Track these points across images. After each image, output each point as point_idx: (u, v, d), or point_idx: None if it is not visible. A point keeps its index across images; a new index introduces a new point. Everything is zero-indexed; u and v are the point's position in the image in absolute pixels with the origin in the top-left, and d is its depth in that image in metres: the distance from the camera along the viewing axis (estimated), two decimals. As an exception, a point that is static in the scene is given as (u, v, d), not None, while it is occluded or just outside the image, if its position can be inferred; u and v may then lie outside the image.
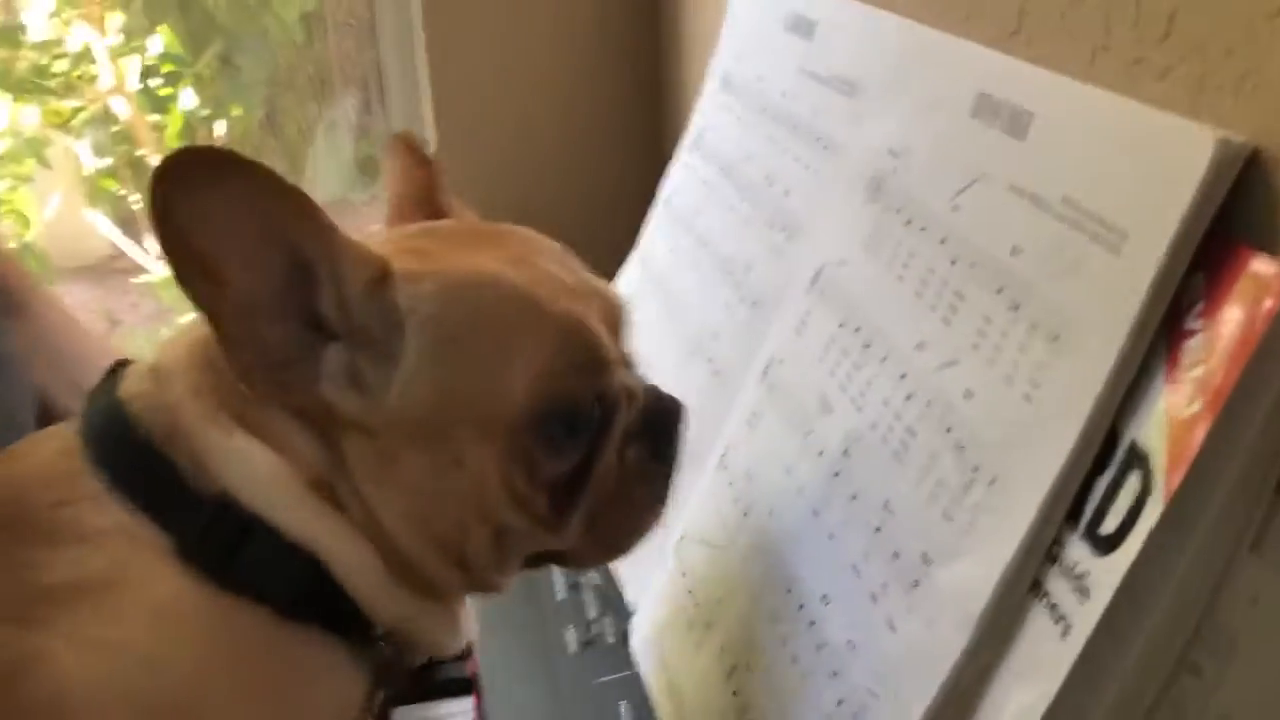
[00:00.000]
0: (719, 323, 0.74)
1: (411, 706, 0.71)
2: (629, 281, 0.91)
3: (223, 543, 0.48)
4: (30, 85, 1.98)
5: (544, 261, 0.54)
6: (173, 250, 0.44)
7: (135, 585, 0.48)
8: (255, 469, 0.49)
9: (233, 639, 0.49)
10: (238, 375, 0.47)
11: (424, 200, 0.63)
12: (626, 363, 0.56)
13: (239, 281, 0.45)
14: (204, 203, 0.44)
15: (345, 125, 2.16)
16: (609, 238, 0.87)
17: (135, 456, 0.49)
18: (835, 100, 0.67)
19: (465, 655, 0.67)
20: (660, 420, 0.56)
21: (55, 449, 0.52)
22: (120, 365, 0.54)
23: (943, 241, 0.53)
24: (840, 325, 0.59)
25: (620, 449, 0.54)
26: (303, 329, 0.48)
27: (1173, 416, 0.39)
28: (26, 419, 0.74)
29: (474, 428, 0.50)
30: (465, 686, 0.74)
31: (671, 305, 0.83)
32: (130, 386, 0.52)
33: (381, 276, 0.49)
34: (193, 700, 0.47)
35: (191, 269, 0.44)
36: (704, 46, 0.97)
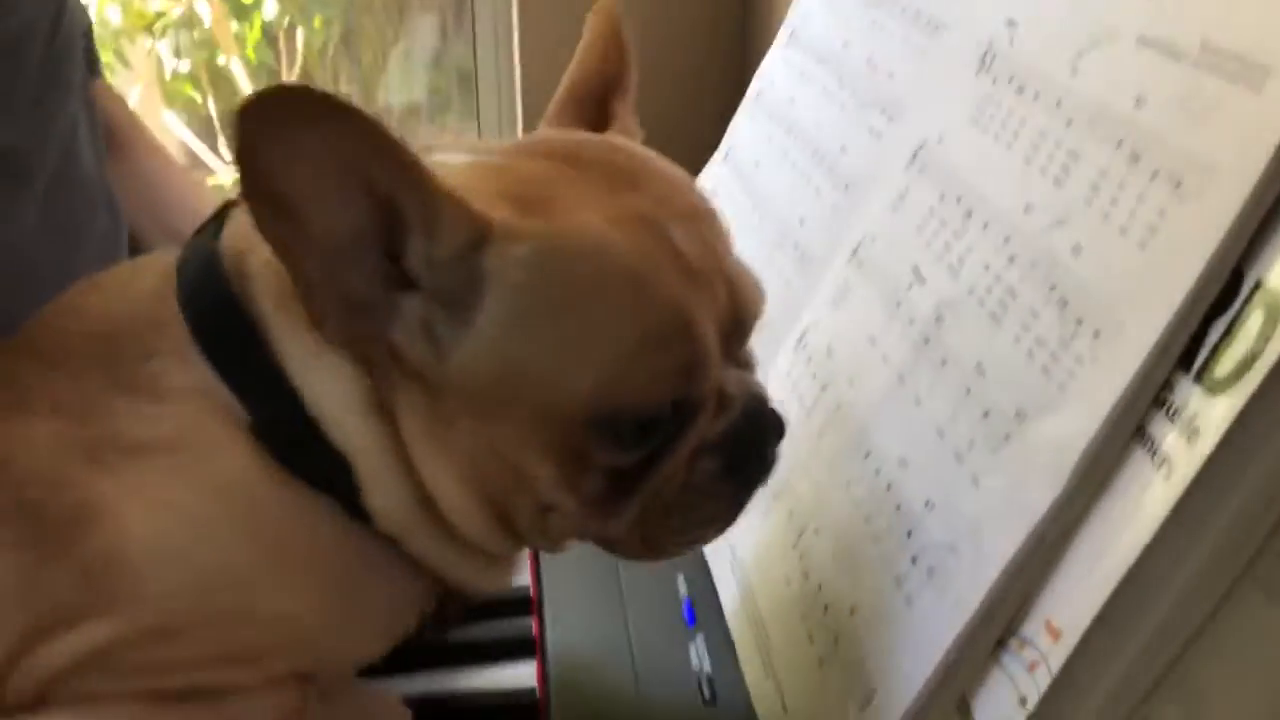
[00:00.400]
0: (808, 209, 0.73)
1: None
2: (712, 177, 0.90)
3: (291, 430, 0.47)
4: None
5: (675, 225, 0.48)
6: (254, 191, 0.41)
7: (206, 452, 0.47)
8: (321, 369, 0.47)
9: (297, 523, 0.48)
10: (310, 316, 0.45)
11: (598, 95, 0.58)
12: (739, 362, 0.51)
13: (321, 225, 0.42)
14: (293, 145, 0.40)
15: (420, 53, 2.16)
16: (695, 140, 0.86)
17: (224, 318, 0.48)
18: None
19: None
20: (750, 437, 0.50)
21: (150, 289, 0.50)
22: (228, 207, 0.52)
23: (1058, 104, 0.51)
24: (940, 198, 0.58)
25: (692, 458, 0.49)
26: (382, 275, 0.45)
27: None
28: (121, 257, 0.74)
29: (531, 411, 0.46)
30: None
31: (758, 198, 0.82)
32: (231, 240, 0.50)
33: (479, 240, 0.44)
34: (248, 576, 0.47)
35: (272, 210, 0.42)
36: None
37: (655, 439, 0.47)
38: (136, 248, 0.77)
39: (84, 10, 0.74)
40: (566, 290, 0.45)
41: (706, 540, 0.53)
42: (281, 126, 0.40)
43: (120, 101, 0.85)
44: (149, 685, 0.46)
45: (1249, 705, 0.39)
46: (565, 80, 0.59)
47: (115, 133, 0.78)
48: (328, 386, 0.47)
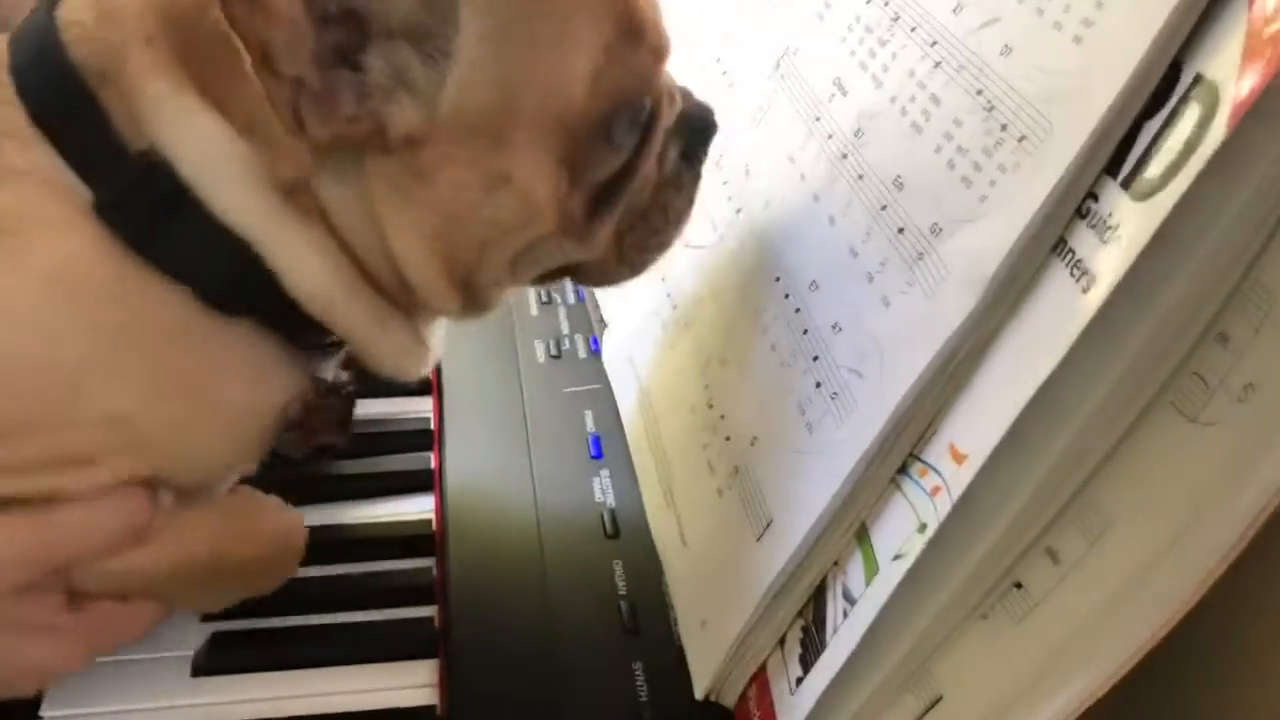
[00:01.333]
0: (731, 24, 0.68)
1: (371, 400, 0.68)
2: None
3: (145, 207, 0.43)
4: None
5: None
6: None
7: (37, 235, 0.42)
8: (202, 137, 0.43)
9: (138, 314, 0.43)
10: (288, 121, 0.41)
11: None
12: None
13: None
14: None
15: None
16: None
17: (61, 91, 0.43)
18: None
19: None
20: (697, 124, 0.52)
21: None
22: None
23: (997, -107, 0.47)
24: (867, 2, 0.53)
25: (661, 152, 0.50)
26: (337, 46, 0.40)
27: (1251, 36, 0.33)
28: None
29: (531, 129, 0.44)
30: (425, 386, 0.71)
31: (685, 16, 0.76)
32: (69, 12, 0.44)
33: None
34: (76, 371, 0.42)
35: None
36: None
37: (637, 133, 0.48)
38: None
39: None
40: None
41: (674, 238, 0.53)
42: None
43: None
44: None
45: (1153, 533, 0.37)
46: None
47: None
48: (222, 167, 0.43)
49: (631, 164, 0.48)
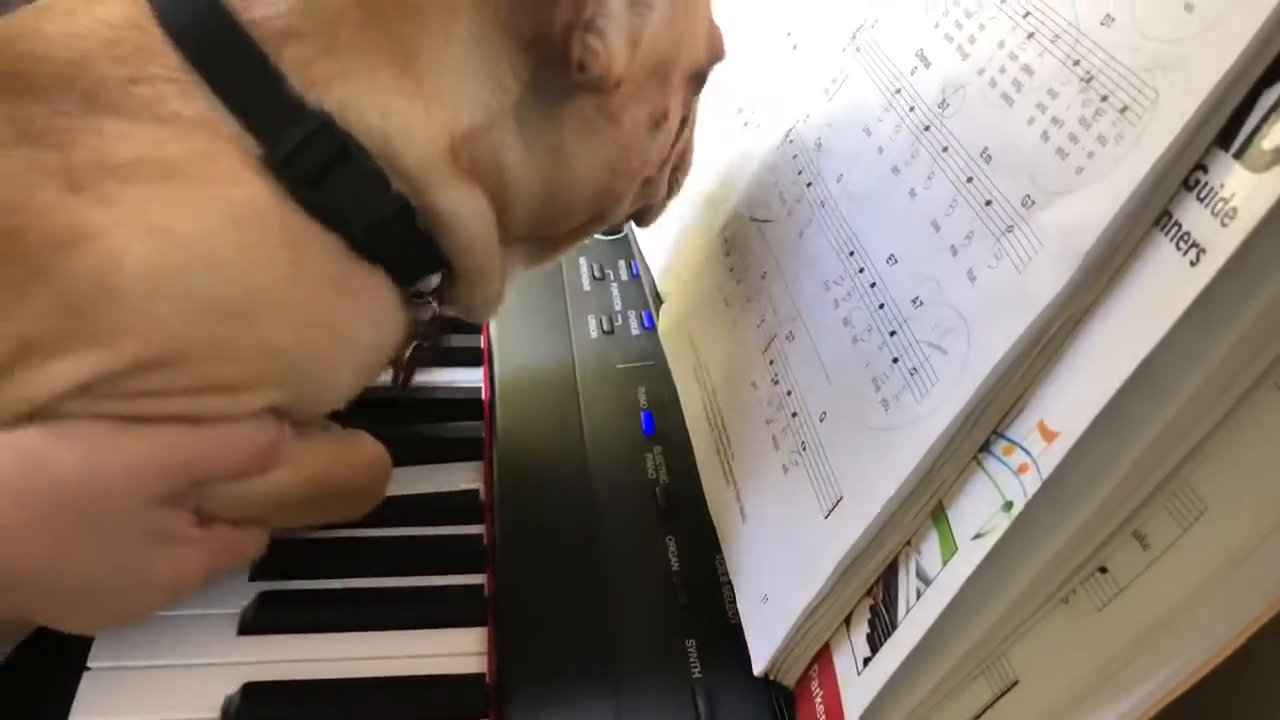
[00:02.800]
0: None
1: (423, 370, 0.68)
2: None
3: (314, 163, 0.45)
4: None
5: None
6: None
7: (213, 182, 0.44)
8: (372, 98, 0.46)
9: (301, 258, 0.46)
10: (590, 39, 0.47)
11: None
12: None
13: None
14: None
15: None
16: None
17: (228, 46, 0.45)
18: None
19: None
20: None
21: (121, 15, 0.46)
22: None
23: None
24: (953, -27, 0.52)
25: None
26: None
27: (1387, 1, 0.32)
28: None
29: (680, 74, 0.53)
30: (477, 357, 0.70)
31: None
32: None
33: None
34: (246, 307, 0.45)
35: None
36: None
37: (703, 82, 0.58)
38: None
39: None
40: None
41: (692, 164, 0.63)
42: None
43: None
44: (128, 411, 0.44)
45: (1250, 518, 0.35)
46: None
47: None
48: (391, 126, 0.47)
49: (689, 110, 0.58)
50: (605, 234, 0.66)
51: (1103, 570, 0.39)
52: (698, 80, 0.56)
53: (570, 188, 0.52)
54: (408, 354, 0.57)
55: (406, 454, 0.62)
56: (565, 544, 0.56)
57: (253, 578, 0.55)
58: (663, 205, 0.62)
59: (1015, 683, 0.40)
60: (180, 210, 0.43)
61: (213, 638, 0.52)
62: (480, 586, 0.56)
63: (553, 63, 0.48)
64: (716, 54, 0.57)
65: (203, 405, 0.45)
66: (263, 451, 0.48)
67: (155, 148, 0.43)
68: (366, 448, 0.55)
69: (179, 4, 0.46)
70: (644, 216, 0.62)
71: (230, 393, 0.46)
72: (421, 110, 0.46)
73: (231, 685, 0.50)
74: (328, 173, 0.45)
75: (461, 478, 0.63)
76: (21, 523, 0.42)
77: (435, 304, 0.54)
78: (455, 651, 0.53)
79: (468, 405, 0.67)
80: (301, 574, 0.55)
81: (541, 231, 0.54)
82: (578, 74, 0.47)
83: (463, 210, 0.49)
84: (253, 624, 0.53)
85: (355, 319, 0.50)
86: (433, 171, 0.48)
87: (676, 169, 0.61)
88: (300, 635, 0.53)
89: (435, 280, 0.55)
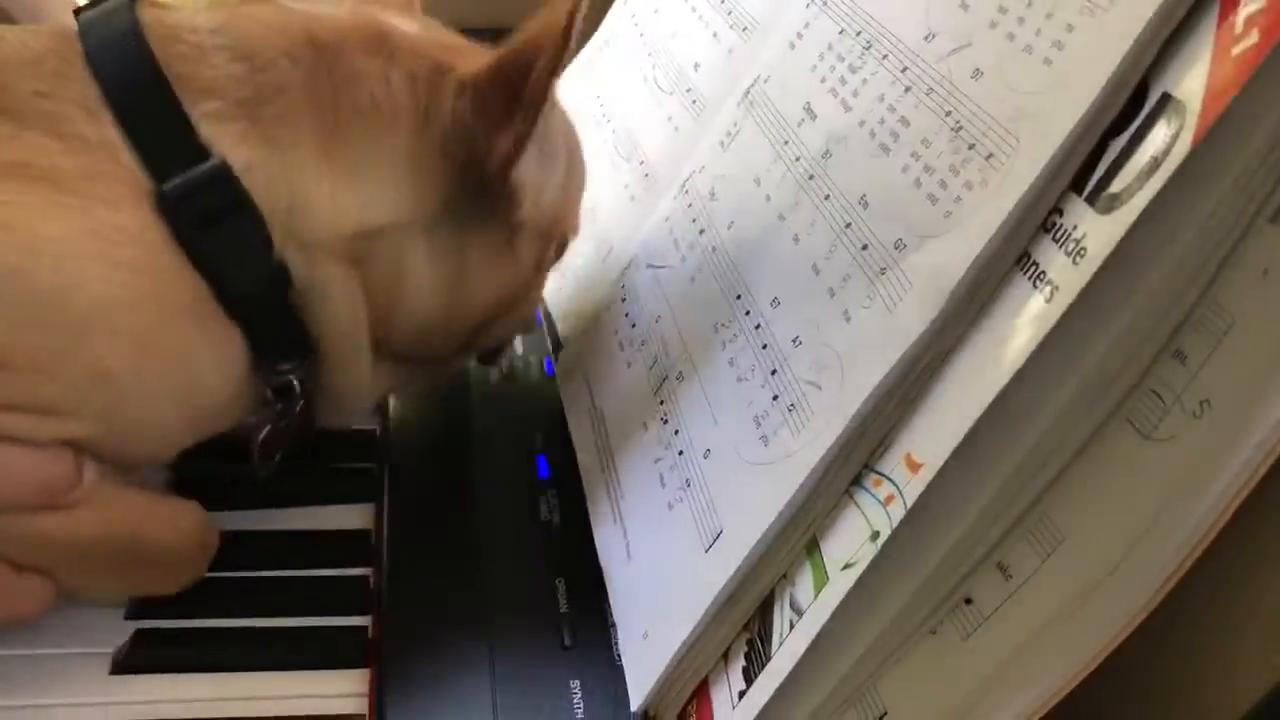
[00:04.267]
0: (703, 54, 0.69)
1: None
2: (613, 22, 0.85)
3: (203, 207, 0.45)
4: None
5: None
6: None
7: (89, 199, 0.44)
8: (291, 172, 0.47)
9: (160, 292, 0.46)
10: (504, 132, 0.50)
11: None
12: None
13: None
14: None
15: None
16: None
17: (145, 85, 0.46)
18: None
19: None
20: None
21: (48, 43, 0.47)
22: None
23: (972, -72, 0.48)
24: (840, 33, 0.54)
25: None
26: None
27: (1218, 55, 0.34)
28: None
29: (559, 233, 0.59)
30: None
31: (654, 44, 0.77)
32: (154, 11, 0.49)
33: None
34: (83, 322, 0.43)
35: None
36: None
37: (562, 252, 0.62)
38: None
39: None
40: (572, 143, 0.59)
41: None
42: None
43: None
44: None
45: (1107, 548, 0.37)
46: None
47: None
48: (305, 195, 0.48)
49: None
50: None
51: (968, 601, 0.40)
52: (561, 247, 0.61)
53: (465, 310, 0.55)
54: (263, 435, 0.54)
55: (295, 494, 0.62)
56: (454, 586, 0.56)
57: (128, 616, 0.54)
58: (510, 347, 0.69)
59: (885, 713, 0.41)
60: (37, 213, 0.42)
61: (85, 677, 0.51)
62: (364, 628, 0.55)
63: (473, 190, 0.51)
64: (577, 232, 0.63)
65: (10, 422, 0.43)
66: (53, 483, 0.45)
67: (41, 156, 0.43)
68: (189, 514, 0.53)
69: (108, 45, 0.47)
70: (494, 355, 0.66)
71: (41, 415, 0.44)
72: (329, 191, 0.48)
73: (104, 727, 0.48)
74: (212, 221, 0.46)
75: (354, 518, 0.62)
76: None
77: (297, 384, 0.53)
78: (336, 693, 0.52)
79: (358, 445, 0.67)
80: (177, 613, 0.54)
81: (417, 350, 0.56)
82: (505, 204, 0.52)
83: (336, 293, 0.50)
84: (126, 663, 0.51)
85: (198, 366, 0.48)
86: (322, 250, 0.49)
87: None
88: (177, 675, 0.52)
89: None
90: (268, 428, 0.54)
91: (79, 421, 0.45)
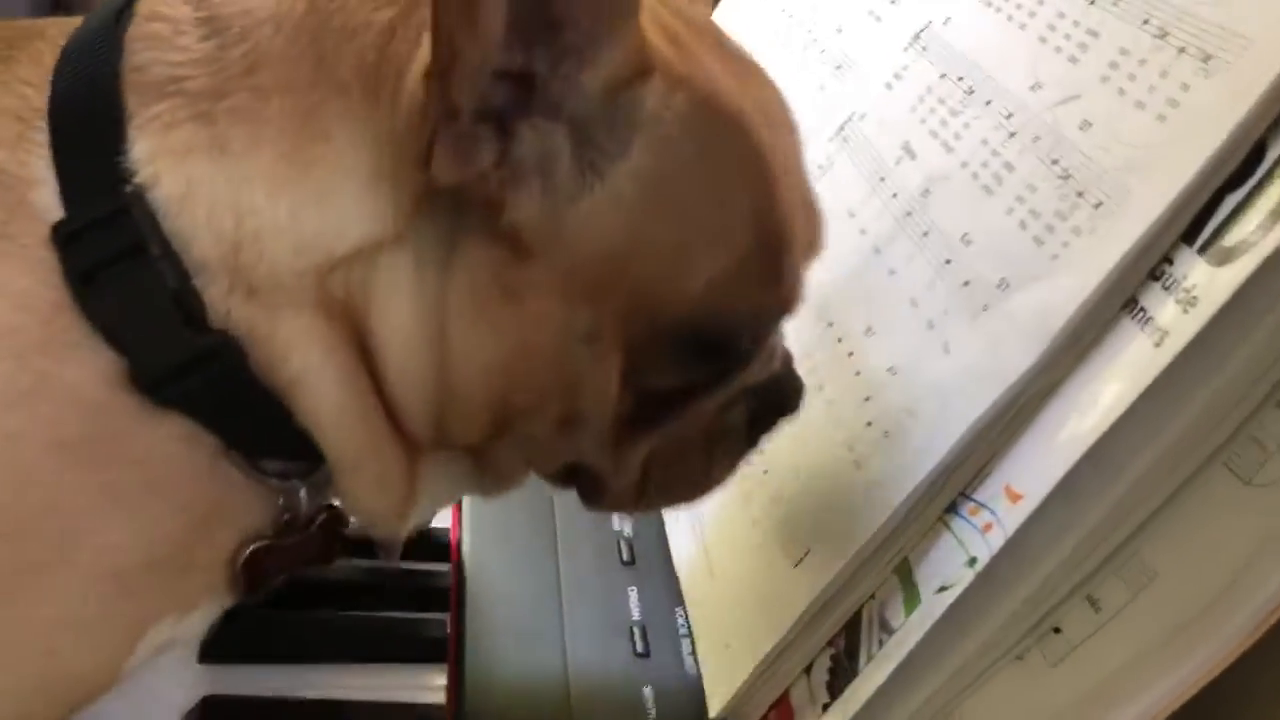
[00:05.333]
0: (793, 88, 0.71)
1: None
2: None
3: (96, 252, 0.35)
4: None
5: (787, 134, 0.43)
6: None
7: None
8: (239, 190, 0.36)
9: (47, 370, 0.35)
10: (436, 135, 0.34)
11: None
12: None
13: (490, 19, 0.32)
14: None
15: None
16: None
17: (91, 93, 0.37)
18: None
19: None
20: (779, 398, 0.46)
21: (51, 35, 0.39)
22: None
23: (1083, -16, 0.50)
24: (940, 77, 0.56)
25: (729, 402, 0.44)
26: (515, 87, 0.35)
27: (1340, 120, 0.36)
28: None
29: (626, 300, 0.38)
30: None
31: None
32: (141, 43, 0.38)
33: (638, 75, 0.36)
34: (28, 477, 0.34)
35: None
36: None
37: (718, 365, 0.42)
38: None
39: None
40: (714, 163, 0.38)
41: (695, 499, 0.46)
42: None
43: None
44: None
45: (1198, 591, 0.38)
46: None
47: None
48: (259, 222, 0.36)
49: (693, 394, 0.42)
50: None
51: (1057, 630, 0.41)
52: (673, 334, 0.39)
53: (461, 375, 0.38)
54: (247, 553, 0.40)
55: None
56: (530, 593, 0.57)
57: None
58: (627, 502, 0.45)
59: (966, 735, 0.42)
60: None
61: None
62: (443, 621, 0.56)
63: (455, 197, 0.36)
64: (721, 319, 0.40)
65: None
66: None
67: None
68: None
69: (84, 37, 0.39)
70: (591, 491, 0.45)
71: None
72: (287, 210, 0.36)
73: None
74: (103, 269, 0.35)
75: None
76: None
77: (302, 491, 0.41)
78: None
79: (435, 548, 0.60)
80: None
81: (453, 437, 0.40)
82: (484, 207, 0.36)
83: (313, 356, 0.37)
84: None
85: (103, 491, 0.35)
86: (284, 295, 0.36)
87: (660, 471, 0.44)
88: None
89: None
90: (256, 543, 0.40)
91: None
